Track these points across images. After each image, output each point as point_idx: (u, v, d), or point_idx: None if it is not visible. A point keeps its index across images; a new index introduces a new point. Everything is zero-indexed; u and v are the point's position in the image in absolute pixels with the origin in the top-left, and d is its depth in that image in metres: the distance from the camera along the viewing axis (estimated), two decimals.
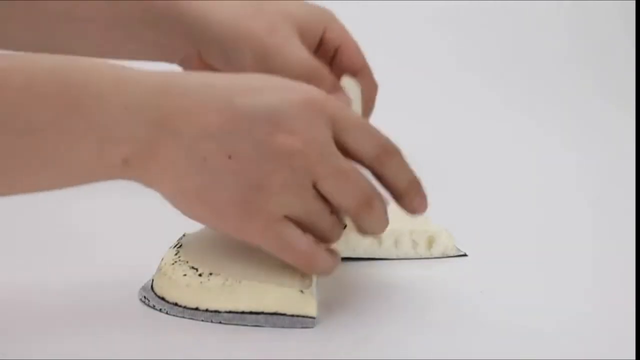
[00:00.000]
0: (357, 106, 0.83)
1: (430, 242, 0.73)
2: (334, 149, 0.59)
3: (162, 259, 0.67)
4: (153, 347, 0.60)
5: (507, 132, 1.04)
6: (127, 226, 0.78)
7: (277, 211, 0.59)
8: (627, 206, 0.84)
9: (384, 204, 0.62)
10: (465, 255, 0.73)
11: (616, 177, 0.92)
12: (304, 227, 0.60)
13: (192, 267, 0.65)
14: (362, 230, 0.63)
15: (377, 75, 1.16)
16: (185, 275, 0.65)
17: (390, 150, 0.62)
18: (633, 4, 1.21)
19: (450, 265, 0.72)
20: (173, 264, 0.66)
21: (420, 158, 0.96)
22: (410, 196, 0.63)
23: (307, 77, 0.81)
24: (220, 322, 0.63)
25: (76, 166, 0.58)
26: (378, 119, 1.05)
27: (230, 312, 0.63)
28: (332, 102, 0.61)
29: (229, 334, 0.62)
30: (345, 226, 0.63)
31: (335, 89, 0.85)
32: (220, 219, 0.60)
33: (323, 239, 0.61)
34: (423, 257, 0.73)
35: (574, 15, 1.27)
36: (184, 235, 0.69)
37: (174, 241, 0.69)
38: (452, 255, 0.73)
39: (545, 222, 0.81)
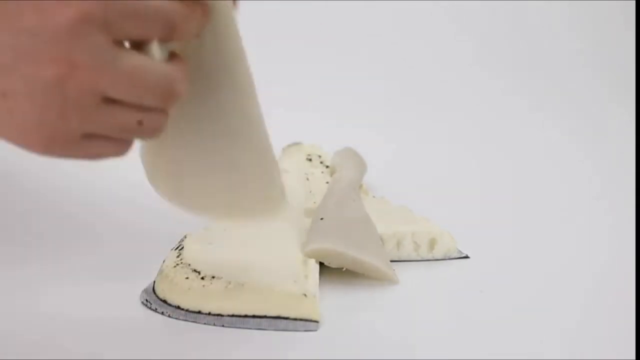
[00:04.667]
0: (352, 169, 0.82)
1: (432, 244, 0.73)
2: (110, 53, 0.55)
3: (164, 261, 0.67)
4: (155, 351, 0.60)
5: (507, 134, 1.04)
6: (127, 226, 0.78)
7: (70, 136, 0.56)
8: (628, 207, 0.84)
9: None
10: (467, 257, 0.74)
11: (617, 178, 0.92)
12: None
13: (194, 270, 0.65)
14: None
15: (387, 76, 1.17)
16: (187, 278, 0.65)
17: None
18: (633, 4, 1.21)
19: (452, 267, 0.72)
20: (175, 266, 0.66)
21: (421, 159, 0.97)
22: None
23: None
24: (222, 326, 0.63)
25: None
26: (381, 119, 1.05)
27: (233, 315, 0.63)
28: (101, 5, 0.55)
29: (231, 337, 0.62)
30: None
31: None
32: (26, 146, 0.57)
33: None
34: (425, 259, 0.73)
35: (574, 14, 1.27)
36: (185, 236, 0.70)
37: (175, 242, 0.70)
38: (454, 257, 0.74)
39: (546, 224, 0.81)
